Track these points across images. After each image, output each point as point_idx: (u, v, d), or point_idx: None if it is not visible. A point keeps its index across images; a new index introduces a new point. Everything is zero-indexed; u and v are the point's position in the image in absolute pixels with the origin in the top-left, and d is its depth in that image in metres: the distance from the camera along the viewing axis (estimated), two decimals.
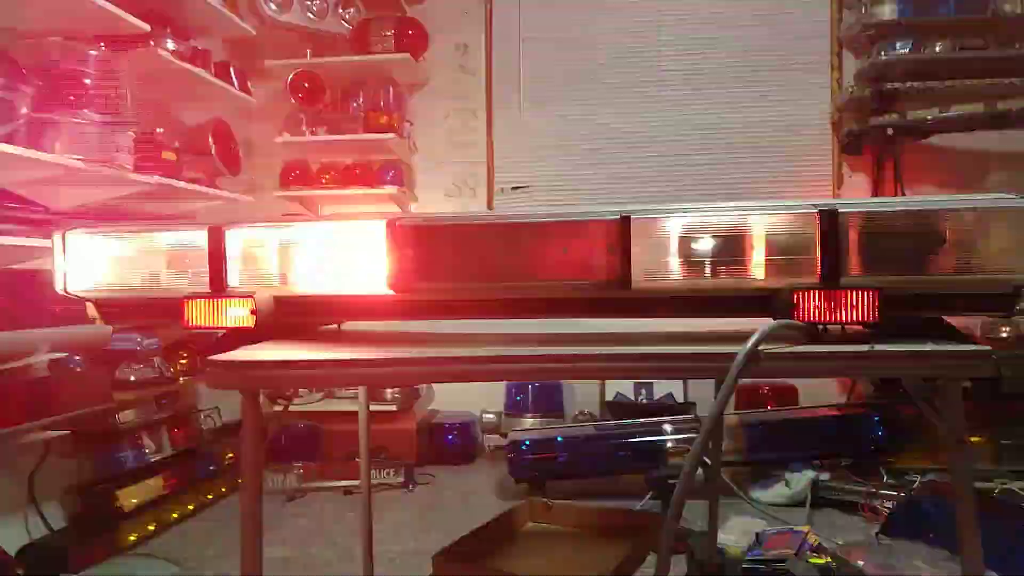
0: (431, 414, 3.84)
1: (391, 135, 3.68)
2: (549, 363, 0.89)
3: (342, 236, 1.10)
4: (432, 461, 3.53)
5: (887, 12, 3.44)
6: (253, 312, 1.10)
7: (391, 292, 1.05)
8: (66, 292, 1.17)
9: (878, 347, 0.86)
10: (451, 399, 3.91)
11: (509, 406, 3.71)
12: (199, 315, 1.13)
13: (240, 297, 1.10)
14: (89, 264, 1.16)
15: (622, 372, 0.89)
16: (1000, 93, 3.27)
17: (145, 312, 1.22)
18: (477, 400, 3.73)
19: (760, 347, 0.86)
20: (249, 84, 3.44)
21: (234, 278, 1.12)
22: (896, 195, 3.61)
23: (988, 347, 0.86)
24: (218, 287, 1.12)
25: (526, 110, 3.99)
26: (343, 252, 1.10)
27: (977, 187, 3.54)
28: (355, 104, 3.80)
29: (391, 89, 3.81)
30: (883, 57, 3.40)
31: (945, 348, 0.85)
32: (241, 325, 1.10)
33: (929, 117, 3.34)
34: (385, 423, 3.58)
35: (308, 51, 3.75)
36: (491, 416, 3.63)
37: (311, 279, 1.11)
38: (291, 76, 3.66)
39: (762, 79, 3.83)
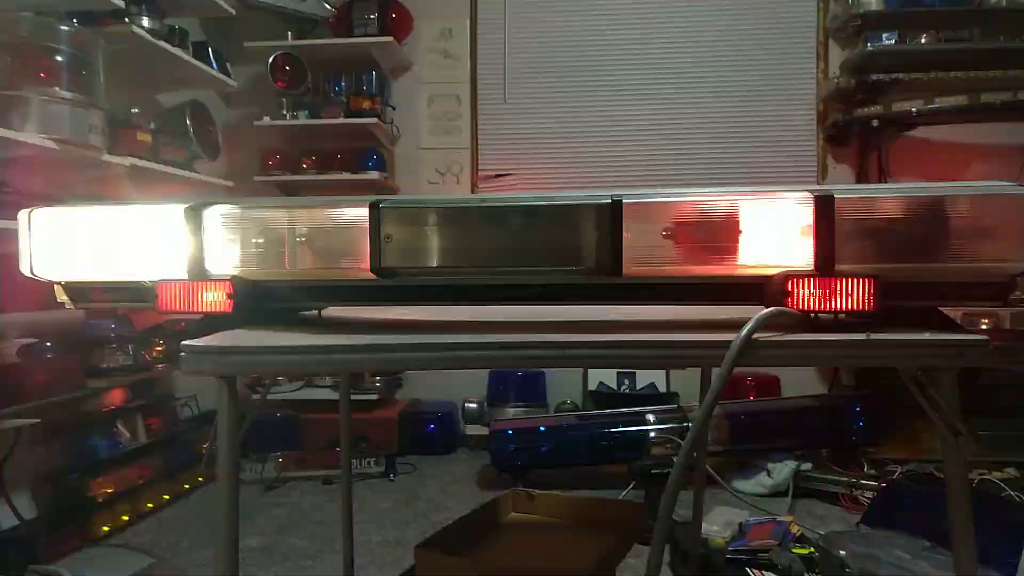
0: (413, 403, 3.81)
1: (374, 120, 3.63)
2: (537, 350, 0.86)
3: (324, 218, 1.07)
4: (413, 450, 3.51)
5: (873, 2, 3.44)
6: (230, 296, 1.06)
7: (374, 277, 1.02)
8: (33, 274, 1.12)
9: (874, 336, 0.84)
10: (433, 388, 3.87)
11: (491, 395, 3.69)
12: (174, 299, 1.09)
13: (217, 281, 1.07)
14: (57, 244, 1.11)
15: (612, 360, 0.87)
16: (984, 85, 3.28)
17: (117, 296, 1.17)
18: (459, 389, 3.70)
19: (755, 335, 0.83)
20: (229, 66, 3.37)
21: (212, 261, 1.08)
22: None
23: (985, 336, 0.85)
24: (194, 270, 1.08)
25: (511, 96, 3.95)
26: (325, 235, 1.07)
27: (961, 179, 3.55)
28: (337, 88, 3.73)
29: (374, 73, 3.75)
30: (869, 48, 3.40)
31: (942, 337, 0.83)
32: (218, 310, 1.07)
33: (913, 109, 3.35)
34: (366, 412, 3.54)
35: (289, 33, 3.67)
36: (473, 405, 3.60)
37: (291, 262, 1.07)
38: (272, 58, 3.59)
39: (747, 69, 3.82)
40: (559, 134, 3.92)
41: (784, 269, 0.94)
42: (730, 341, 0.82)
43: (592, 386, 3.64)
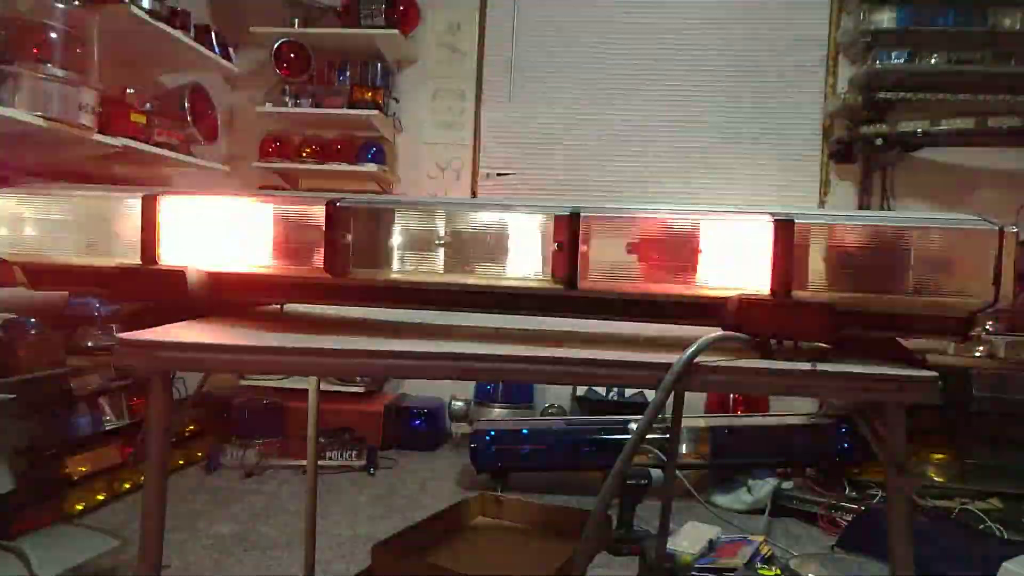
0: (400, 397, 3.80)
1: (375, 111, 3.62)
2: (471, 362, 0.84)
3: (285, 213, 1.05)
4: (397, 445, 3.50)
5: (885, 20, 3.40)
6: (183, 287, 1.06)
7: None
8: None
9: (820, 367, 0.82)
10: (421, 383, 3.86)
11: (479, 395, 3.67)
12: (127, 288, 1.09)
13: (170, 271, 1.06)
14: (15, 226, 1.10)
15: (552, 376, 0.85)
16: (992, 109, 3.24)
17: (75, 280, 1.16)
18: (448, 386, 3.69)
19: (697, 359, 0.81)
20: (232, 51, 3.36)
21: (168, 250, 1.07)
22: (882, 207, 3.58)
23: (935, 373, 0.82)
24: (149, 259, 1.07)
25: (516, 95, 3.93)
26: (284, 230, 1.05)
27: (965, 203, 3.51)
28: (341, 78, 3.72)
29: (379, 65, 3.74)
30: (878, 65, 3.36)
31: (888, 372, 0.80)
32: (170, 300, 1.06)
33: (919, 130, 3.30)
34: (352, 403, 3.54)
35: (296, 20, 3.66)
36: (460, 404, 3.59)
37: (250, 256, 1.06)
38: (277, 45, 3.58)
39: (756, 79, 3.78)
40: (562, 136, 3.90)
41: (739, 292, 0.92)
42: (671, 363, 0.81)
43: (581, 391, 3.62)
